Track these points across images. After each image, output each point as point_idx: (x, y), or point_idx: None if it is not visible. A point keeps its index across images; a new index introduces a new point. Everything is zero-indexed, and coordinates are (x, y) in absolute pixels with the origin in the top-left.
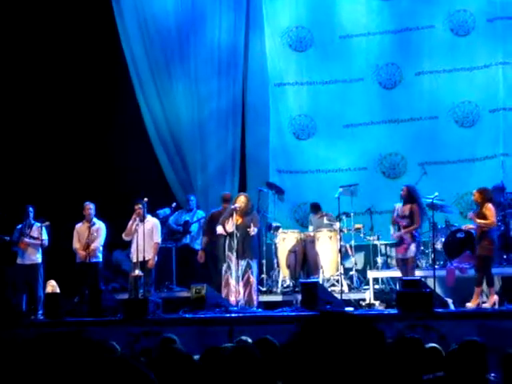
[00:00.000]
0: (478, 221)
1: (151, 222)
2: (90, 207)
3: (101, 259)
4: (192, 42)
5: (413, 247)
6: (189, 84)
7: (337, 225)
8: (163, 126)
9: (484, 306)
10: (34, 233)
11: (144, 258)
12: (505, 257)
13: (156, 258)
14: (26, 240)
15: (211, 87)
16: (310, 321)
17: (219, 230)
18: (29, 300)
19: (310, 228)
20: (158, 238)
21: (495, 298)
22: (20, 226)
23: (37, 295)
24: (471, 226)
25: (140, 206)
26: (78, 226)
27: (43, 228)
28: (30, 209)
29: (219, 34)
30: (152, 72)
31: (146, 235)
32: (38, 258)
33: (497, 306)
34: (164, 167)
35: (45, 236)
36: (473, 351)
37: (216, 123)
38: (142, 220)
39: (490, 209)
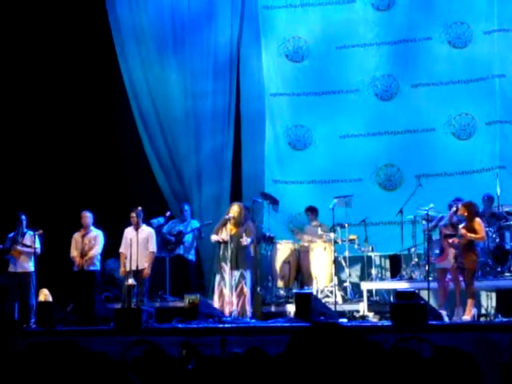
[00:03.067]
0: (469, 235)
1: (146, 231)
2: (87, 215)
3: (99, 267)
4: (187, 46)
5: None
6: (184, 88)
7: (331, 235)
8: (158, 134)
9: (464, 318)
10: (27, 241)
11: (137, 266)
12: (499, 269)
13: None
14: (19, 248)
15: (205, 92)
16: (302, 332)
17: (214, 238)
18: (21, 308)
19: (304, 237)
20: (153, 248)
21: (474, 310)
22: (12, 233)
23: (29, 304)
24: (458, 240)
25: (134, 214)
26: (76, 234)
27: (36, 236)
28: (23, 217)
29: (215, 39)
30: (146, 78)
31: (140, 244)
32: (30, 266)
33: (475, 319)
34: (157, 176)
35: (37, 244)
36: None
37: (210, 131)
38: (137, 229)
39: (479, 223)
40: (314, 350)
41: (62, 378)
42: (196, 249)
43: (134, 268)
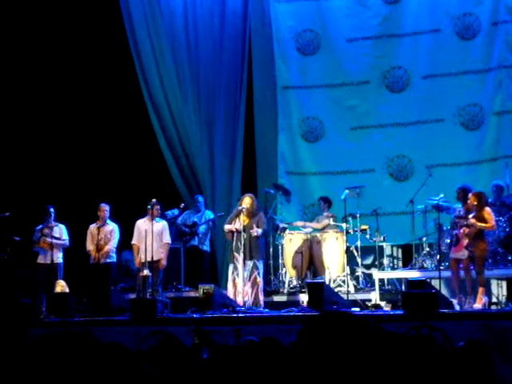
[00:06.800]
0: (479, 224)
1: (160, 222)
2: (106, 209)
3: (115, 260)
4: (199, 39)
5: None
6: (197, 88)
7: (343, 225)
8: (171, 127)
9: (475, 306)
10: (56, 233)
11: (152, 257)
12: (510, 258)
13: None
14: (49, 240)
15: (217, 83)
16: (313, 321)
17: (227, 227)
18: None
19: (314, 224)
20: (168, 239)
21: (485, 299)
22: (40, 226)
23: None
24: (468, 229)
25: (159, 206)
26: (92, 226)
27: (64, 228)
28: (52, 209)
29: (226, 32)
30: (160, 78)
31: (156, 236)
32: (59, 257)
33: (486, 307)
34: (171, 169)
35: (66, 236)
36: (477, 352)
37: (222, 123)
38: (152, 219)
39: (489, 212)
40: (324, 338)
41: (75, 367)
42: (210, 239)
43: (149, 259)
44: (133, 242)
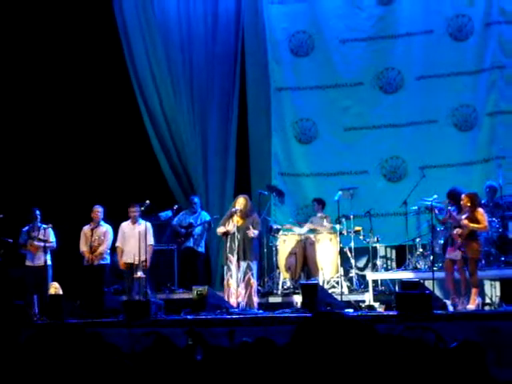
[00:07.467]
0: (472, 225)
1: (143, 224)
2: (99, 210)
3: (109, 261)
4: (192, 43)
5: None
6: (190, 88)
7: (337, 226)
8: (164, 129)
9: (468, 307)
10: (42, 235)
11: (145, 259)
12: (503, 259)
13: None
14: (36, 243)
15: (210, 85)
16: (306, 322)
17: (220, 230)
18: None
19: (308, 225)
20: (151, 241)
21: (478, 300)
22: (26, 228)
23: (45, 297)
24: (461, 230)
25: (135, 209)
26: (86, 228)
27: (50, 230)
28: (37, 211)
29: (219, 35)
30: (154, 78)
31: (142, 237)
32: (47, 259)
33: (480, 308)
34: (164, 170)
35: (53, 238)
36: (471, 352)
37: (216, 124)
38: (134, 222)
39: (482, 213)
40: (317, 339)
41: (69, 359)
42: (205, 241)
43: (135, 261)
44: (117, 244)
